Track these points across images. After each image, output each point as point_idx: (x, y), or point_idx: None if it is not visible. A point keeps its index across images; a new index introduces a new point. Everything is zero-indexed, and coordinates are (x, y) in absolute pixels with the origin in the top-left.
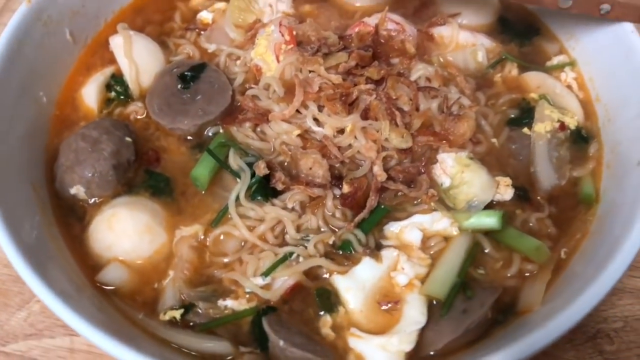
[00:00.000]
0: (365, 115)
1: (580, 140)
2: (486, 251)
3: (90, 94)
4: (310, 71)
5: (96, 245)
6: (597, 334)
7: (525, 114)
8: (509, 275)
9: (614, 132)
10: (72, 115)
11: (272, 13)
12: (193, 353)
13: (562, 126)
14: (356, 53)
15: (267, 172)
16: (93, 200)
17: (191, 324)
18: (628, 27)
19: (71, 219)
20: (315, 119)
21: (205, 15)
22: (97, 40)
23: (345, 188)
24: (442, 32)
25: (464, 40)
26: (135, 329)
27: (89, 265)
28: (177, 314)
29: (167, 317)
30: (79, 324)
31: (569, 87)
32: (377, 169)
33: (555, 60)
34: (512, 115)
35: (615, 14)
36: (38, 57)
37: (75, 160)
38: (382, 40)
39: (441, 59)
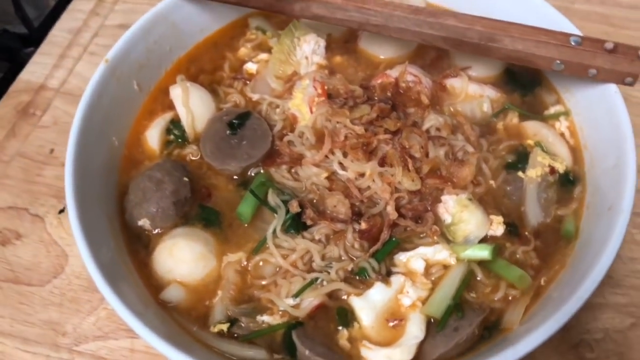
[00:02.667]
0: (382, 162)
1: (567, 182)
2: (478, 278)
3: (153, 136)
4: (337, 122)
5: (159, 268)
6: (580, 344)
7: (521, 158)
8: (495, 298)
9: (595, 178)
10: (138, 155)
11: (307, 65)
12: (236, 359)
13: (552, 170)
14: (377, 106)
15: (299, 210)
16: (156, 230)
17: (235, 335)
18: (612, 88)
19: (138, 246)
20: (340, 164)
21: (250, 67)
22: (158, 88)
23: (363, 225)
24: (454, 83)
25: (473, 91)
26: (190, 338)
27: (153, 285)
28: (225, 327)
29: (216, 329)
30: (147, 334)
31: (562, 134)
32: (390, 209)
33: (552, 109)
34: (510, 160)
35: (602, 77)
36: (112, 106)
37: (143, 197)
38: (401, 91)
39: (451, 109)
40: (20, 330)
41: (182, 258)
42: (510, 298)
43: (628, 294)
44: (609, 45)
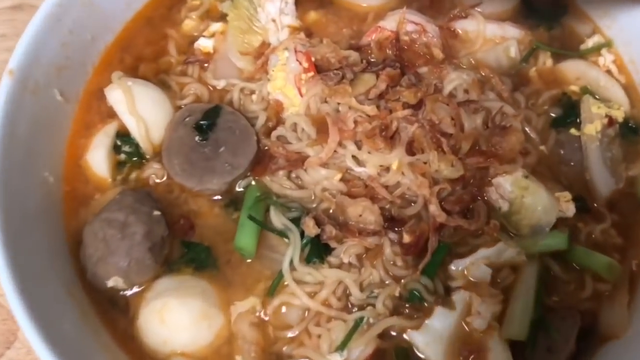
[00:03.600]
0: (409, 148)
1: (629, 132)
2: (553, 273)
3: (98, 160)
4: (339, 103)
5: (150, 340)
6: None
7: (569, 111)
8: (583, 297)
9: None
10: (84, 189)
11: (277, 30)
12: None
13: (611, 121)
14: (385, 74)
15: (319, 231)
16: (134, 289)
17: None
18: None
19: (114, 313)
20: (355, 158)
21: (204, 44)
22: (88, 92)
23: (406, 238)
24: (466, 27)
25: (492, 34)
26: None
27: None
28: None
29: None
30: None
31: (609, 72)
32: (435, 209)
33: (590, 42)
34: (555, 115)
35: None
36: (33, 132)
37: (107, 250)
38: (405, 47)
39: (472, 60)
40: None
41: (179, 323)
42: (605, 295)
43: None
44: None
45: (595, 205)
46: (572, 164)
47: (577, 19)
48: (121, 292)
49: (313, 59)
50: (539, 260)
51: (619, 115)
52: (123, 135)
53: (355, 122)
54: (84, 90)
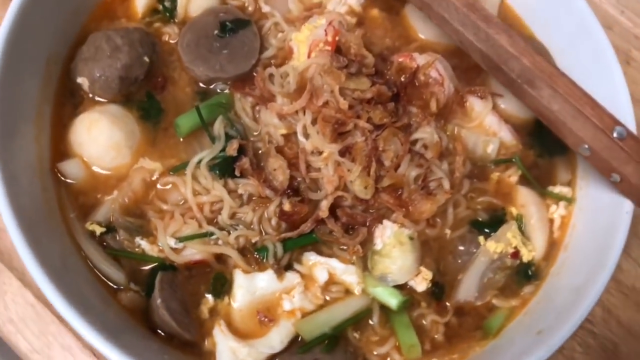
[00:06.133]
0: (345, 151)
1: (522, 276)
2: (371, 322)
3: None
4: (328, 82)
5: (73, 137)
6: None
7: (493, 223)
8: (375, 353)
9: (553, 288)
10: (118, 8)
11: (339, 2)
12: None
13: (515, 254)
14: (377, 88)
15: (236, 154)
16: (91, 96)
17: (104, 244)
18: (628, 205)
19: (68, 100)
20: (305, 129)
21: None
22: None
23: (287, 206)
24: (474, 104)
25: (488, 124)
26: (62, 225)
27: (59, 150)
28: (98, 230)
29: (90, 227)
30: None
31: (551, 220)
32: (324, 204)
33: (558, 189)
34: (480, 219)
35: (622, 188)
36: None
37: (93, 56)
38: (416, 83)
39: (456, 131)
40: None
41: (97, 139)
42: None
43: None
44: None
45: (447, 303)
46: (459, 261)
47: (565, 165)
48: (82, 92)
49: (337, 39)
50: (370, 301)
51: (526, 256)
52: None
53: (326, 103)
54: None
